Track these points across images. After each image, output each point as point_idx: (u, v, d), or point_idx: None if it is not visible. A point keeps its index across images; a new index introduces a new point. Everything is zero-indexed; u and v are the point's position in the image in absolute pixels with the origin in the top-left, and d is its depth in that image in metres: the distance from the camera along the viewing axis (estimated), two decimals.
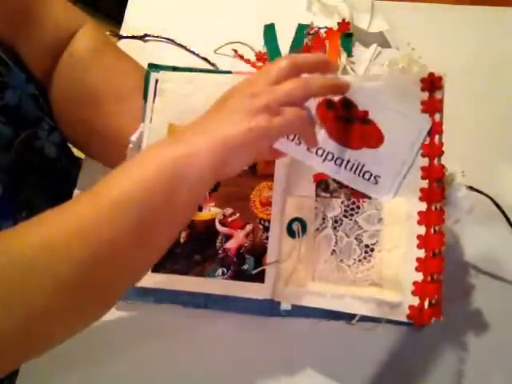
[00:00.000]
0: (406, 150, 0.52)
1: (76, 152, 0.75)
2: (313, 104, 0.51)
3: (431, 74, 0.52)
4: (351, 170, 0.53)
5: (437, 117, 0.52)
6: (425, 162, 0.52)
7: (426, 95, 0.52)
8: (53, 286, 0.38)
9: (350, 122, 0.53)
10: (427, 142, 0.52)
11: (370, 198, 0.55)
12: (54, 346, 0.43)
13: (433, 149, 0.51)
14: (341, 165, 0.52)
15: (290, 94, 0.45)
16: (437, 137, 0.52)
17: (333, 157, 0.52)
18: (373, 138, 0.53)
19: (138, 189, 0.40)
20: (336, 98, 0.52)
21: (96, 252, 0.39)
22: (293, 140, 0.52)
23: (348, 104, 0.53)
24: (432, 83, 0.52)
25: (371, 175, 0.52)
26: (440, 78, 0.51)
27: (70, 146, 0.74)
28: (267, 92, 0.45)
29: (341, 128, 0.53)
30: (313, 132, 0.49)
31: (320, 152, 0.52)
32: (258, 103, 0.44)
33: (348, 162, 0.52)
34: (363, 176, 0.52)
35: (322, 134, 0.52)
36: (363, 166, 0.52)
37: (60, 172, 0.69)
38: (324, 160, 0.52)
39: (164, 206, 0.41)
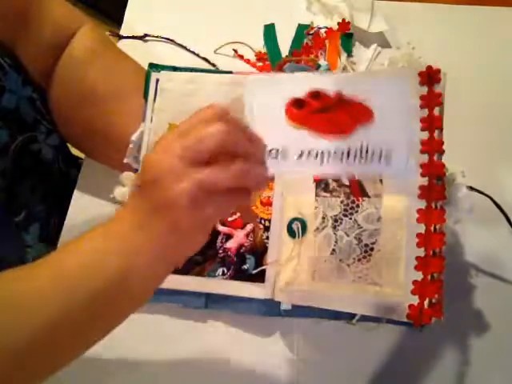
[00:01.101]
0: (402, 110, 0.47)
1: (76, 152, 0.75)
2: (280, 108, 0.46)
3: (429, 68, 0.51)
4: (356, 158, 0.46)
5: (436, 111, 0.51)
6: (424, 158, 0.51)
7: (424, 89, 0.52)
8: None
9: (329, 111, 0.47)
10: (426, 138, 0.51)
11: (369, 196, 0.55)
12: None
13: (432, 145, 0.51)
14: (342, 158, 0.46)
15: (218, 183, 0.40)
16: (436, 132, 0.51)
17: (329, 154, 0.45)
18: (360, 114, 0.47)
19: (84, 282, 0.41)
20: (301, 95, 0.47)
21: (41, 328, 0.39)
22: (277, 158, 0.45)
23: (317, 95, 0.47)
24: (430, 77, 0.51)
25: (381, 152, 0.45)
26: (438, 71, 0.51)
27: (69, 147, 0.74)
28: (192, 181, 0.39)
29: (324, 120, 0.47)
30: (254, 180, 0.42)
31: (313, 155, 0.46)
32: (178, 195, 0.39)
33: (349, 150, 0.46)
34: (372, 157, 0.45)
35: (306, 136, 0.46)
36: (367, 146, 0.46)
37: (58, 174, 0.69)
38: (322, 162, 0.46)
39: (106, 301, 0.42)
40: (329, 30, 0.80)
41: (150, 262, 0.42)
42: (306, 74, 0.48)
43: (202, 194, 0.39)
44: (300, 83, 0.48)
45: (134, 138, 0.61)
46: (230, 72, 0.67)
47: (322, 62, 0.75)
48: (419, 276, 0.49)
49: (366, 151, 0.45)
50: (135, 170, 0.61)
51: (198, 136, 0.40)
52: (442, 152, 0.51)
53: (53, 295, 0.40)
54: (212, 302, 0.61)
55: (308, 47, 0.79)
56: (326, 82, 0.48)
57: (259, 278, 0.60)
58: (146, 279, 0.43)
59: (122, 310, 0.44)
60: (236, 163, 0.40)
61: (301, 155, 0.45)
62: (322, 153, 0.46)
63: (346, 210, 0.57)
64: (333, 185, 0.58)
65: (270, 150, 0.45)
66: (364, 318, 0.59)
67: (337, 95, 0.47)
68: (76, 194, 0.68)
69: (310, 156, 0.45)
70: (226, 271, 0.61)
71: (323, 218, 0.58)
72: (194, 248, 0.45)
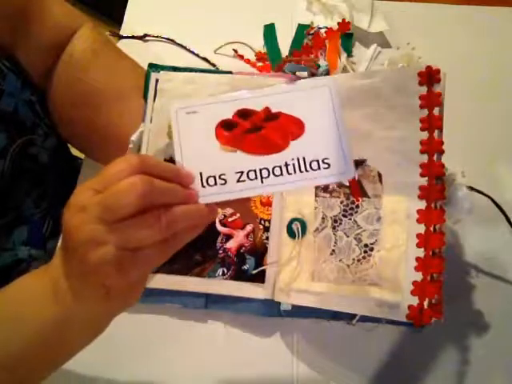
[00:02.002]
0: (330, 117, 0.45)
1: (76, 152, 0.75)
2: (210, 133, 0.45)
3: (429, 68, 0.51)
4: (295, 171, 0.44)
5: (436, 111, 0.51)
6: (424, 158, 0.51)
7: (424, 89, 0.52)
8: None
9: (260, 129, 0.46)
10: (426, 138, 0.51)
11: (368, 197, 0.55)
12: None
13: (432, 145, 0.51)
14: (282, 173, 0.44)
15: (144, 239, 0.38)
16: (436, 132, 0.51)
17: (268, 172, 0.44)
18: (291, 127, 0.46)
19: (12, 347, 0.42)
20: (229, 117, 0.46)
21: None
22: (215, 184, 0.43)
23: (245, 114, 0.46)
24: (430, 77, 0.51)
25: (318, 162, 0.44)
26: (438, 71, 0.51)
27: (69, 148, 0.74)
28: (113, 242, 0.37)
29: (256, 139, 0.45)
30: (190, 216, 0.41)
31: (252, 175, 0.44)
32: (101, 262, 0.37)
33: (287, 165, 0.44)
34: (312, 168, 0.44)
35: (240, 158, 0.44)
36: (304, 158, 0.44)
37: (54, 178, 0.69)
38: (262, 180, 0.44)
39: (40, 359, 0.44)
40: (329, 30, 0.80)
41: (83, 324, 0.43)
42: (229, 95, 0.47)
43: (127, 254, 0.37)
44: (227, 105, 0.46)
45: (133, 138, 0.61)
46: (230, 72, 0.67)
47: (322, 62, 0.74)
48: (419, 276, 0.50)
49: (304, 162, 0.44)
50: None
51: (115, 195, 0.37)
52: (441, 152, 0.51)
53: None
54: (212, 303, 0.61)
55: (308, 47, 0.79)
56: (252, 100, 0.46)
57: (259, 278, 0.60)
58: (80, 335, 0.45)
59: (58, 359, 0.46)
60: (161, 218, 0.38)
61: (240, 178, 0.44)
62: (261, 171, 0.44)
63: (345, 210, 0.57)
64: (332, 185, 0.58)
65: (208, 178, 0.43)
66: (364, 319, 0.59)
67: (265, 111, 0.46)
68: None
69: (249, 177, 0.44)
70: (225, 271, 0.61)
71: (323, 218, 0.58)
72: (130, 305, 0.44)
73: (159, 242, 0.38)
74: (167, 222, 0.38)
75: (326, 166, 0.44)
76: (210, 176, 0.43)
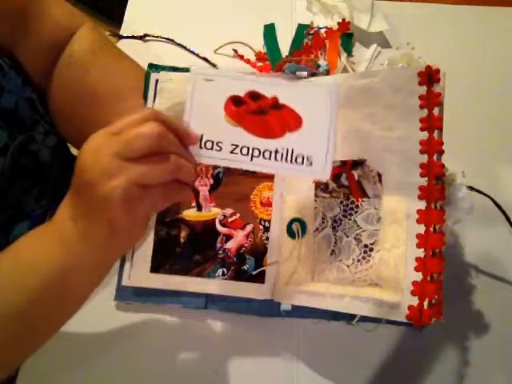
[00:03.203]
0: (325, 121, 0.50)
1: (76, 152, 0.75)
2: (220, 103, 0.49)
3: (428, 67, 0.51)
4: (282, 159, 0.49)
5: (436, 111, 0.51)
6: (424, 158, 0.51)
7: (424, 89, 0.52)
8: None
9: (264, 113, 0.50)
10: (426, 138, 0.51)
11: (368, 197, 0.55)
12: None
13: (432, 145, 0.51)
14: (270, 157, 0.49)
15: (151, 178, 0.42)
16: (436, 132, 0.51)
17: (259, 152, 0.49)
18: (291, 120, 0.50)
19: (17, 293, 0.44)
20: (241, 94, 0.50)
21: None
22: (211, 148, 0.49)
23: (255, 96, 0.50)
24: (430, 76, 0.51)
25: (303, 158, 0.49)
26: (438, 71, 0.51)
27: (68, 147, 0.74)
28: (125, 177, 0.40)
29: (257, 121, 0.50)
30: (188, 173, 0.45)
31: (245, 151, 0.49)
32: (113, 193, 0.40)
33: (276, 152, 0.49)
34: (296, 161, 0.49)
35: (239, 132, 0.49)
36: (292, 151, 0.49)
37: (55, 175, 0.69)
38: (252, 158, 0.49)
39: (46, 303, 0.45)
40: (329, 30, 0.80)
41: (89, 265, 0.45)
42: (249, 75, 0.51)
43: (135, 189, 0.40)
44: (242, 82, 0.50)
45: None
46: None
47: (322, 61, 0.74)
48: (419, 277, 0.49)
49: (292, 154, 0.49)
50: None
51: (132, 135, 0.41)
52: (441, 152, 0.51)
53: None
54: (212, 303, 0.61)
55: (308, 47, 0.79)
56: (265, 85, 0.50)
57: (259, 278, 0.60)
58: (87, 278, 0.47)
59: (68, 304, 0.48)
60: (169, 160, 0.42)
61: (234, 150, 0.49)
62: (253, 150, 0.49)
63: (345, 210, 0.57)
64: (332, 185, 0.58)
65: (206, 141, 0.48)
66: (364, 319, 0.59)
67: (273, 99, 0.50)
68: None
69: (241, 151, 0.49)
70: (225, 272, 0.61)
71: (323, 218, 0.58)
72: (132, 244, 0.49)
73: (165, 184, 0.42)
74: (174, 165, 0.43)
75: (309, 163, 0.49)
76: (209, 140, 0.49)
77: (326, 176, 0.49)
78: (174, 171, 0.43)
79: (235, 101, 0.50)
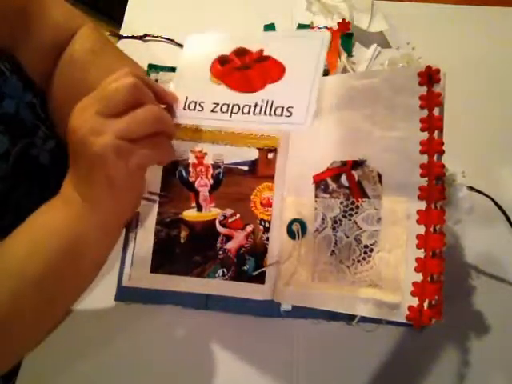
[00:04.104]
0: (310, 70, 0.49)
1: None
2: (208, 64, 0.50)
3: (428, 68, 0.51)
4: (261, 112, 0.49)
5: (436, 111, 0.51)
6: (424, 159, 0.51)
7: (424, 89, 0.52)
8: None
9: (247, 68, 0.50)
10: (426, 138, 0.51)
11: (368, 197, 0.55)
12: None
13: (432, 145, 0.51)
14: (249, 112, 0.49)
15: (137, 129, 0.44)
16: (436, 132, 0.51)
17: (239, 107, 0.49)
18: (272, 70, 0.50)
19: (32, 262, 0.45)
20: (228, 52, 0.51)
21: None
22: (194, 109, 0.49)
23: (241, 52, 0.51)
24: (430, 77, 0.51)
25: (283, 109, 0.48)
26: (438, 71, 0.50)
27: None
28: (112, 132, 0.43)
29: (240, 77, 0.50)
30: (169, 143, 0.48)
31: (225, 108, 0.49)
32: (102, 149, 0.42)
33: (256, 105, 0.49)
34: (275, 113, 0.49)
35: (221, 90, 0.50)
36: (272, 102, 0.49)
37: (55, 178, 0.69)
38: (231, 115, 0.49)
39: (61, 271, 0.47)
40: (329, 30, 0.80)
41: (96, 226, 0.47)
42: (237, 35, 0.51)
43: (123, 143, 0.43)
44: (232, 41, 0.51)
45: None
46: None
47: None
48: (419, 277, 0.49)
49: (271, 106, 0.48)
50: None
51: (109, 90, 0.43)
52: (441, 152, 0.51)
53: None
54: (212, 303, 0.61)
55: None
56: (255, 40, 0.51)
57: (259, 279, 0.60)
58: (97, 241, 0.48)
59: (83, 269, 0.49)
60: (149, 107, 0.44)
61: (214, 108, 0.49)
62: (233, 106, 0.49)
63: (345, 211, 0.56)
64: (332, 186, 0.58)
65: (190, 102, 0.49)
66: (364, 319, 0.59)
67: (258, 53, 0.50)
68: None
69: (221, 109, 0.49)
70: (226, 272, 0.61)
71: (323, 219, 0.58)
72: (135, 199, 0.51)
73: (151, 136, 0.44)
74: (154, 114, 0.44)
75: (288, 114, 0.48)
76: (193, 101, 0.49)
77: (305, 125, 0.48)
78: (155, 120, 0.45)
79: (221, 60, 0.51)
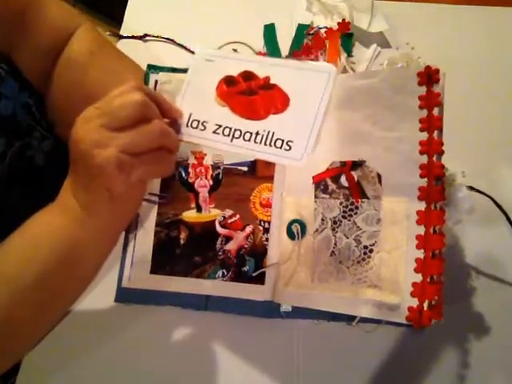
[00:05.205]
0: (314, 106, 0.49)
1: None
2: (214, 83, 0.50)
3: (428, 68, 0.51)
4: (261, 142, 0.49)
5: (435, 111, 0.51)
6: (423, 159, 0.51)
7: (423, 90, 0.51)
8: None
9: (252, 94, 0.50)
10: (425, 139, 0.51)
11: (368, 198, 0.55)
12: None
13: (431, 145, 0.51)
14: (250, 139, 0.49)
15: (141, 144, 0.44)
16: (436, 133, 0.51)
17: (240, 133, 0.49)
18: (277, 100, 0.50)
19: (28, 268, 0.45)
20: (235, 73, 0.51)
21: None
22: (196, 128, 0.49)
23: (248, 76, 0.51)
24: (429, 77, 0.51)
25: (283, 142, 0.49)
26: (437, 71, 0.50)
27: (67, 149, 0.74)
28: (116, 146, 0.43)
29: (244, 102, 0.50)
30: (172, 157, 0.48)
31: (226, 131, 0.49)
32: (105, 161, 0.42)
33: (257, 134, 0.49)
34: (275, 145, 0.49)
35: (225, 113, 0.50)
36: (273, 134, 0.49)
37: (51, 179, 0.69)
38: (232, 139, 0.49)
39: (58, 277, 0.47)
40: (329, 30, 0.80)
41: (94, 233, 0.47)
42: (245, 56, 0.51)
43: (126, 157, 0.43)
44: (239, 62, 0.51)
45: None
46: None
47: (322, 62, 0.74)
48: (419, 278, 0.49)
49: (272, 137, 0.49)
50: None
51: (116, 105, 0.43)
52: (441, 153, 0.51)
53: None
54: (212, 304, 0.61)
55: (308, 47, 0.79)
56: (262, 66, 0.51)
57: (259, 279, 0.60)
58: (94, 247, 0.49)
59: (80, 274, 0.50)
60: (155, 123, 0.44)
61: (216, 130, 0.49)
62: (235, 131, 0.49)
63: (345, 211, 0.56)
64: (332, 186, 0.58)
65: (193, 121, 0.49)
66: (363, 320, 0.59)
67: (264, 79, 0.50)
68: None
69: (223, 132, 0.49)
70: (225, 273, 0.61)
71: (322, 219, 0.58)
72: (134, 208, 0.51)
73: (153, 151, 0.45)
74: (159, 130, 0.45)
75: (287, 148, 0.48)
76: (196, 119, 0.49)
77: (301, 162, 0.48)
78: (160, 136, 0.45)
79: (228, 81, 0.51)
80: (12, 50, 0.61)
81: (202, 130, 0.49)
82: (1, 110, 0.58)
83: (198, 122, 0.50)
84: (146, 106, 0.44)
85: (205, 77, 0.51)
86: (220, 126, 0.49)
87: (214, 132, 0.49)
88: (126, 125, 0.43)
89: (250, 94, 0.51)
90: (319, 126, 0.48)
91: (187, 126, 0.49)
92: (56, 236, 0.47)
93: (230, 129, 0.49)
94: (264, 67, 0.51)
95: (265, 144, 0.49)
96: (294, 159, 0.48)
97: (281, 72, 0.50)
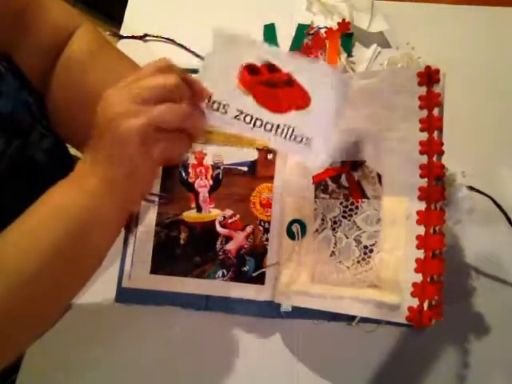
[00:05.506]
0: (333, 105, 0.50)
1: (75, 152, 0.74)
2: (235, 67, 0.50)
3: (428, 68, 0.51)
4: (282, 134, 0.50)
5: (435, 111, 0.51)
6: (423, 159, 0.51)
7: (423, 90, 0.51)
8: None
9: (275, 87, 0.50)
10: (425, 139, 0.51)
11: (368, 198, 0.55)
12: None
13: (432, 145, 0.51)
14: (271, 130, 0.50)
15: (166, 121, 0.45)
16: (436, 133, 0.51)
17: (262, 123, 0.49)
18: (299, 98, 0.50)
19: (36, 240, 0.45)
20: (258, 63, 0.51)
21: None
22: (217, 110, 0.49)
23: (272, 67, 0.51)
24: (429, 77, 0.51)
25: (302, 138, 0.50)
26: (437, 71, 0.50)
27: (67, 148, 0.74)
28: (143, 117, 0.43)
29: (267, 93, 0.50)
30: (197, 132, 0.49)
31: (248, 119, 0.49)
32: (131, 130, 0.43)
33: (278, 126, 0.49)
34: (295, 139, 0.50)
35: (249, 101, 0.50)
36: (294, 129, 0.50)
37: (51, 178, 0.69)
38: (253, 127, 0.49)
39: (67, 251, 0.46)
40: (329, 30, 0.80)
41: (109, 207, 0.47)
42: (269, 47, 0.51)
43: (152, 131, 0.43)
44: (261, 51, 0.51)
45: None
46: None
47: (322, 61, 0.74)
48: (419, 278, 0.49)
49: (292, 132, 0.49)
50: None
51: (153, 83, 0.44)
52: (441, 153, 0.51)
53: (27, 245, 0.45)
54: (212, 304, 0.61)
55: (308, 47, 0.79)
56: (284, 60, 0.51)
57: (259, 279, 0.60)
58: (106, 220, 0.48)
59: (90, 250, 0.48)
60: (183, 105, 0.45)
61: (238, 115, 0.49)
62: (256, 119, 0.49)
63: (345, 211, 0.56)
64: (332, 186, 0.58)
65: (214, 102, 0.49)
66: (364, 320, 0.59)
67: (287, 75, 0.50)
68: None
69: (245, 119, 0.49)
70: (225, 273, 0.61)
71: (322, 219, 0.58)
72: (146, 190, 0.52)
73: (177, 132, 0.46)
74: (187, 111, 0.45)
75: (306, 144, 0.49)
76: (217, 101, 0.49)
77: (318, 163, 0.49)
78: (187, 117, 0.46)
79: (250, 69, 0.50)
80: (12, 49, 0.61)
81: (224, 113, 0.49)
82: (0, 107, 0.58)
83: (220, 104, 0.49)
84: (179, 87, 0.45)
85: (226, 58, 0.51)
86: (241, 113, 0.49)
87: (236, 117, 0.50)
88: (155, 100, 0.44)
89: (271, 86, 0.51)
90: (332, 128, 0.50)
91: (207, 106, 0.49)
92: (73, 209, 0.46)
93: (252, 117, 0.50)
94: (286, 61, 0.51)
95: (285, 138, 0.49)
96: (311, 159, 0.50)
97: (301, 70, 0.50)
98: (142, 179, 0.48)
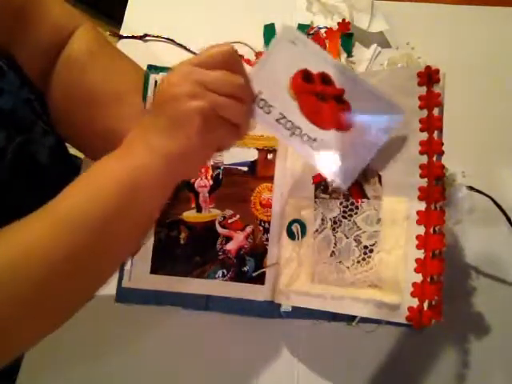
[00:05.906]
0: (372, 142, 0.50)
1: (75, 152, 0.74)
2: (290, 70, 0.49)
3: (428, 68, 0.51)
4: (318, 149, 0.50)
5: (435, 111, 0.51)
6: (424, 159, 0.51)
7: (423, 90, 0.51)
8: (12, 303, 0.41)
9: (324, 100, 0.50)
10: (425, 139, 0.51)
11: (368, 198, 0.55)
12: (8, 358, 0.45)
13: (432, 146, 0.51)
14: (308, 142, 0.49)
15: (229, 108, 0.45)
16: (435, 133, 0.51)
17: (300, 132, 0.49)
18: (343, 119, 0.50)
19: (91, 206, 0.44)
20: (314, 70, 0.50)
21: (54, 268, 0.42)
22: (262, 108, 0.49)
23: (326, 79, 0.50)
24: (429, 77, 0.51)
25: (335, 159, 0.50)
26: (437, 71, 0.50)
27: (66, 147, 0.74)
28: (208, 100, 0.44)
29: (314, 104, 0.50)
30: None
31: (289, 125, 0.49)
32: (195, 110, 0.44)
33: (315, 140, 0.49)
34: (328, 158, 0.50)
35: (292, 106, 0.49)
36: (329, 148, 0.50)
37: (53, 175, 0.69)
38: (292, 134, 0.49)
39: (118, 219, 0.46)
40: (329, 30, 0.80)
41: (157, 181, 0.46)
42: (332, 59, 0.50)
43: (213, 115, 0.44)
44: (320, 61, 0.50)
45: None
46: None
47: None
48: (419, 278, 0.49)
49: (327, 150, 0.49)
50: None
51: (221, 78, 0.45)
52: (441, 153, 0.51)
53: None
54: (212, 304, 0.61)
55: None
56: (341, 73, 0.50)
57: (259, 279, 0.60)
58: (153, 195, 0.48)
59: (133, 226, 0.48)
60: (244, 104, 0.46)
61: (280, 119, 0.49)
62: (295, 128, 0.49)
63: (345, 211, 0.56)
64: (332, 186, 0.58)
65: (261, 99, 0.49)
66: (364, 320, 0.59)
67: (339, 91, 0.50)
68: None
69: (286, 125, 0.49)
70: (225, 273, 0.61)
71: (322, 219, 0.58)
72: (195, 172, 0.54)
73: (233, 124, 0.46)
74: (247, 109, 0.47)
75: (337, 167, 0.50)
76: (264, 99, 0.49)
77: (344, 186, 0.50)
78: (246, 114, 0.47)
79: (305, 75, 0.50)
80: (13, 47, 0.61)
81: (267, 113, 0.49)
82: (1, 104, 0.57)
83: (265, 103, 0.49)
84: (242, 88, 0.46)
85: (283, 59, 0.50)
86: (284, 117, 0.49)
87: (277, 120, 0.49)
88: (220, 93, 0.45)
89: (321, 99, 0.50)
90: (366, 164, 0.50)
91: (253, 101, 0.49)
92: (121, 178, 0.46)
93: (293, 124, 0.49)
94: (342, 76, 0.50)
95: (318, 152, 0.49)
96: (337, 178, 0.50)
97: (355, 90, 0.50)
98: (193, 161, 0.48)
